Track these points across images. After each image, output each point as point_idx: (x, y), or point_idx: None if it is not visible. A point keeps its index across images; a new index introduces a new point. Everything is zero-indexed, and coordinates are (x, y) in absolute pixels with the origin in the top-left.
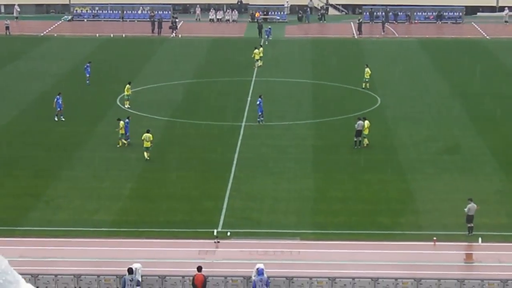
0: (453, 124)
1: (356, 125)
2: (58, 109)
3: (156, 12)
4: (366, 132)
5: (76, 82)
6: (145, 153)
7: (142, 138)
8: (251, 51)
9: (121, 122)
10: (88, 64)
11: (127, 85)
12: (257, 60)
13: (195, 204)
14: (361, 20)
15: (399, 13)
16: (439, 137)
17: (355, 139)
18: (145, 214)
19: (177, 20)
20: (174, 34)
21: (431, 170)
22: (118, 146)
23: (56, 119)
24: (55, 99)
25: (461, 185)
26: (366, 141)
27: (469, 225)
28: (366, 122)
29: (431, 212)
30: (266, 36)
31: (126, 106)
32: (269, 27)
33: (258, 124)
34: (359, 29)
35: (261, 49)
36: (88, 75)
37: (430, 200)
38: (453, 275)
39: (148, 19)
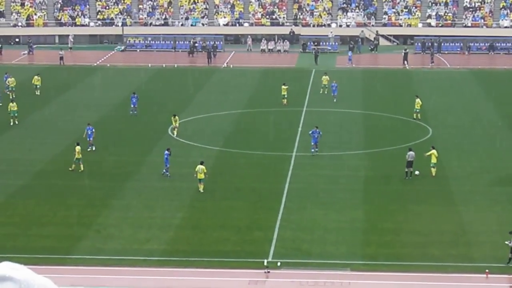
0: (506, 155)
1: (407, 156)
2: (88, 139)
3: (208, 42)
4: (434, 161)
5: (128, 112)
6: (199, 185)
7: (196, 170)
8: (302, 81)
9: (78, 147)
10: (133, 95)
11: (172, 117)
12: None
13: (245, 234)
14: (407, 51)
15: (451, 44)
16: (491, 169)
17: (406, 170)
18: (195, 243)
19: (196, 45)
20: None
21: (484, 201)
22: (70, 169)
23: (89, 149)
24: (86, 130)
25: None
26: (434, 170)
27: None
28: (434, 152)
29: (484, 244)
30: (333, 94)
31: (175, 135)
32: (335, 83)
33: (309, 154)
34: (405, 59)
35: (325, 77)
36: (133, 106)
37: (482, 232)
38: None
39: (200, 50)
